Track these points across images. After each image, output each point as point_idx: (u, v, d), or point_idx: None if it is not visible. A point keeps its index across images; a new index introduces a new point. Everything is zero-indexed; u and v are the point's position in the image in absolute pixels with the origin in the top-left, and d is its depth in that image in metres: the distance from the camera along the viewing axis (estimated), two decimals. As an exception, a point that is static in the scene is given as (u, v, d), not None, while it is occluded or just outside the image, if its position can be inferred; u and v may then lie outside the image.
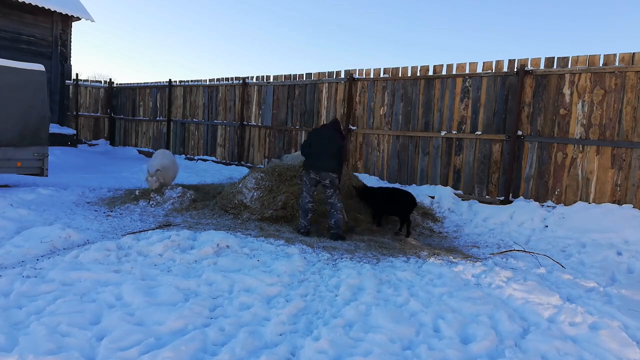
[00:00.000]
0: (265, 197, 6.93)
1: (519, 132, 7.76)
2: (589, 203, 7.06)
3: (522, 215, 7.13)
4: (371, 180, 9.15)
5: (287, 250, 5.02)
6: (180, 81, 14.45)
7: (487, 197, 8.15)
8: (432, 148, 8.86)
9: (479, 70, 8.25)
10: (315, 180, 6.12)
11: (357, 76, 9.97)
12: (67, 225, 5.51)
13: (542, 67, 7.57)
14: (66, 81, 15.53)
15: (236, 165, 12.47)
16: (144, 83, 15.87)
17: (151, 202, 7.30)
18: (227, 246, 4.87)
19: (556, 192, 7.43)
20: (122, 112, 16.83)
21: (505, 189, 7.89)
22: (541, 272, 4.92)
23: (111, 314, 3.18)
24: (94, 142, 16.80)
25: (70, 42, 15.24)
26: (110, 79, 17.25)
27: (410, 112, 9.19)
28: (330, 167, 6.03)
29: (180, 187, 7.80)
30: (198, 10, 71.85)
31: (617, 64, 6.86)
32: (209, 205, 7.30)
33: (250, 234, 5.73)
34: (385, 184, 9.29)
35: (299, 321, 3.34)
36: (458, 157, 8.54)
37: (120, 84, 17.13)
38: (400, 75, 9.28)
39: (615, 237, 6.10)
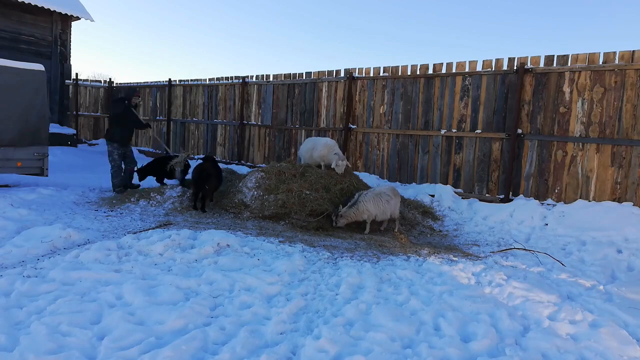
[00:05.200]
0: (265, 196, 6.94)
1: (519, 131, 7.76)
2: (589, 201, 7.06)
3: (522, 214, 7.13)
4: (371, 179, 9.16)
5: (287, 249, 5.02)
6: (180, 80, 14.45)
7: (487, 195, 8.15)
8: (432, 147, 8.86)
9: (479, 68, 8.25)
10: None
11: (356, 75, 9.97)
12: (68, 225, 5.52)
13: (541, 65, 7.56)
14: (66, 81, 15.52)
15: (236, 164, 12.46)
16: (144, 82, 15.87)
17: (151, 202, 7.30)
18: (228, 245, 4.87)
19: (556, 190, 7.43)
20: (122, 111, 16.80)
21: (505, 187, 7.89)
22: (541, 270, 4.93)
23: (112, 314, 3.18)
24: (94, 141, 16.79)
25: (70, 41, 15.23)
26: (110, 79, 17.24)
27: (410, 110, 9.19)
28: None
29: (180, 187, 7.81)
30: (197, 9, 71.81)
31: (616, 61, 6.86)
32: (209, 205, 7.30)
33: (251, 233, 5.74)
34: (385, 182, 9.30)
35: (300, 320, 3.34)
36: (458, 156, 8.54)
37: (120, 83, 17.12)
38: (400, 74, 9.28)
39: (616, 235, 6.10)
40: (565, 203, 7.25)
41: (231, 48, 69.80)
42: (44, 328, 2.91)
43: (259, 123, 12.14)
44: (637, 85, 6.72)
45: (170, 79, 14.74)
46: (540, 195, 7.58)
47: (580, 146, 7.20)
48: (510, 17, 57.90)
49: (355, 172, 8.79)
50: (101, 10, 54.20)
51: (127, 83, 16.72)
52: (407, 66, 9.19)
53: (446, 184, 8.61)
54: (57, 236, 4.88)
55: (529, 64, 7.71)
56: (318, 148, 7.55)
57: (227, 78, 13.02)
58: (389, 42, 62.59)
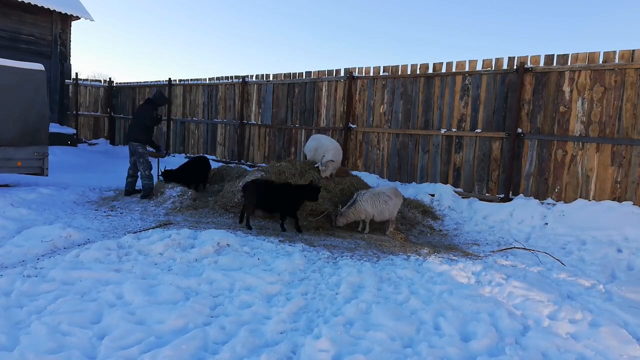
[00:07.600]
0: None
1: (519, 130, 7.76)
2: (589, 200, 7.07)
3: (522, 213, 7.13)
4: (371, 179, 9.16)
5: (287, 249, 5.02)
6: (180, 80, 14.45)
7: (487, 194, 8.15)
8: (432, 146, 8.86)
9: (479, 68, 8.25)
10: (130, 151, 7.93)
11: (356, 74, 9.97)
12: (68, 224, 5.52)
13: (541, 64, 7.56)
14: (66, 80, 15.50)
15: (236, 164, 12.46)
16: (144, 82, 15.87)
17: (151, 202, 7.30)
18: (228, 245, 4.87)
19: (556, 190, 7.43)
20: (122, 111, 16.83)
21: (505, 187, 7.89)
22: (541, 269, 4.93)
23: (112, 313, 3.18)
24: (94, 141, 16.79)
25: (70, 41, 15.21)
26: (110, 78, 17.25)
27: (410, 110, 9.19)
28: (135, 138, 7.77)
29: (180, 186, 7.81)
30: (197, 8, 71.76)
31: (616, 61, 6.86)
32: (209, 204, 7.30)
33: (251, 233, 5.74)
34: (385, 182, 9.30)
35: (300, 319, 3.34)
36: (458, 155, 8.54)
37: (120, 83, 17.12)
38: (400, 74, 9.27)
39: (615, 234, 6.11)
40: (565, 202, 7.25)
41: (231, 48, 69.72)
42: (44, 327, 2.91)
43: (259, 122, 12.14)
44: (637, 85, 6.71)
45: (170, 79, 14.74)
46: (540, 194, 7.58)
47: (580, 145, 7.20)
48: (510, 17, 57.83)
49: (355, 172, 8.81)
50: (101, 10, 54.18)
51: (127, 83, 16.72)
52: (407, 66, 9.19)
53: (446, 184, 8.62)
54: (57, 236, 4.88)
55: (529, 64, 7.70)
56: (320, 150, 7.58)
57: (227, 77, 13.02)
58: (389, 42, 62.52)
